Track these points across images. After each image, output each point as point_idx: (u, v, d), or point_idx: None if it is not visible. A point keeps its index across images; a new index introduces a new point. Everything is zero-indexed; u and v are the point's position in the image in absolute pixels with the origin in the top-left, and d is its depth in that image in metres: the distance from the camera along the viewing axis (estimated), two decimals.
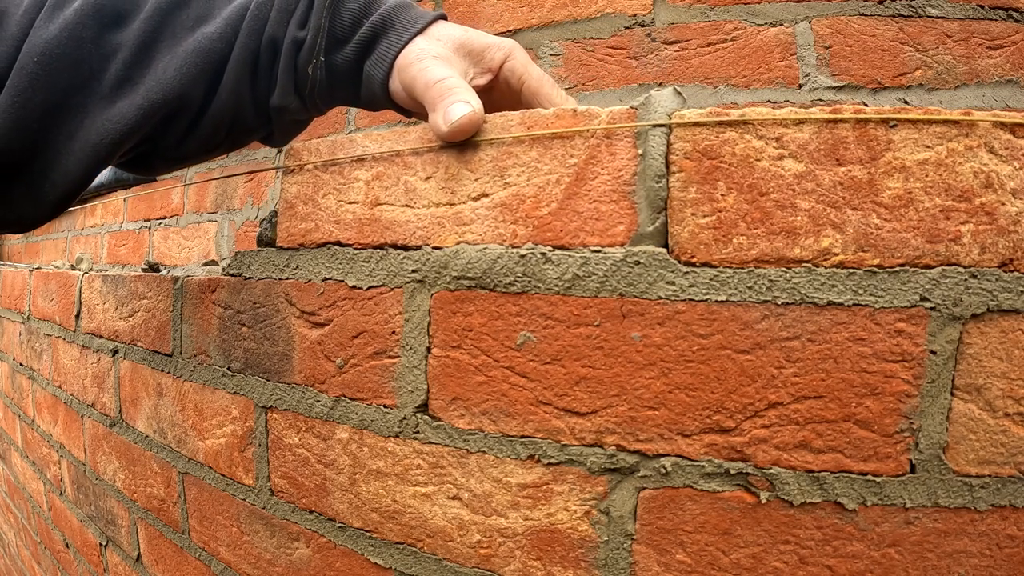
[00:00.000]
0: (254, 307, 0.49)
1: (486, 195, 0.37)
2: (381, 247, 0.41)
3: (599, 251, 0.34)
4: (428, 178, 0.39)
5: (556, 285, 0.34)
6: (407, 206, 0.40)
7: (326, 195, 0.44)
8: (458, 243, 0.38)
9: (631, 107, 0.33)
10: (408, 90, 0.43)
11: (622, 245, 0.33)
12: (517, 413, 0.36)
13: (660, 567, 0.33)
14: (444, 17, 0.47)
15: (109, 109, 0.42)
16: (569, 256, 0.34)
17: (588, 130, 0.34)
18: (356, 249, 0.43)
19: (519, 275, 0.35)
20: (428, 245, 0.39)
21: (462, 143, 0.38)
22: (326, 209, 0.44)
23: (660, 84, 0.74)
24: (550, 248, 0.35)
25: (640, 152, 0.33)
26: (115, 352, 0.69)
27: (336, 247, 0.44)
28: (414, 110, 0.46)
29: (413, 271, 0.40)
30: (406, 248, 0.40)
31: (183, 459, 0.59)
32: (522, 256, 0.35)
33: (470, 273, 0.37)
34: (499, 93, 0.47)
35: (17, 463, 1.15)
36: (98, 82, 0.42)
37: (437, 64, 0.42)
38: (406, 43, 0.44)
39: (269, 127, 0.50)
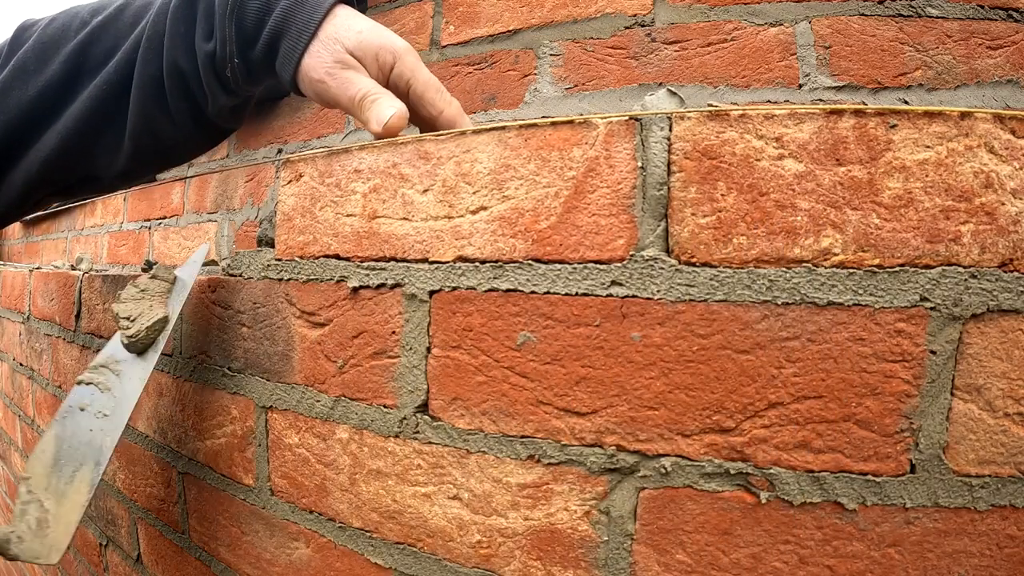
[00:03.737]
0: (254, 307, 0.49)
1: (485, 208, 0.37)
2: (378, 261, 0.41)
3: (588, 265, 0.33)
4: (426, 191, 0.39)
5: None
6: (405, 219, 0.40)
7: (323, 208, 0.44)
8: (456, 258, 0.37)
9: (629, 117, 0.33)
10: (331, 103, 0.49)
11: (621, 261, 0.33)
12: (517, 413, 0.36)
13: (660, 567, 0.33)
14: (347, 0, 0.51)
15: (41, 139, 0.54)
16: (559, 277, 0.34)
17: (587, 142, 0.34)
18: (344, 260, 0.42)
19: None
20: (426, 260, 0.39)
21: (459, 155, 0.38)
22: (324, 222, 0.44)
23: (660, 84, 0.74)
24: (541, 264, 0.35)
25: (640, 164, 0.32)
26: None
27: (334, 260, 0.43)
28: (324, 106, 0.52)
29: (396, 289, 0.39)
30: (405, 260, 0.40)
31: (183, 459, 0.59)
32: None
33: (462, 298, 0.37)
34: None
35: (17, 463, 1.15)
36: (31, 117, 0.54)
37: (350, 77, 0.47)
38: (304, 49, 0.48)
39: (202, 135, 0.58)
